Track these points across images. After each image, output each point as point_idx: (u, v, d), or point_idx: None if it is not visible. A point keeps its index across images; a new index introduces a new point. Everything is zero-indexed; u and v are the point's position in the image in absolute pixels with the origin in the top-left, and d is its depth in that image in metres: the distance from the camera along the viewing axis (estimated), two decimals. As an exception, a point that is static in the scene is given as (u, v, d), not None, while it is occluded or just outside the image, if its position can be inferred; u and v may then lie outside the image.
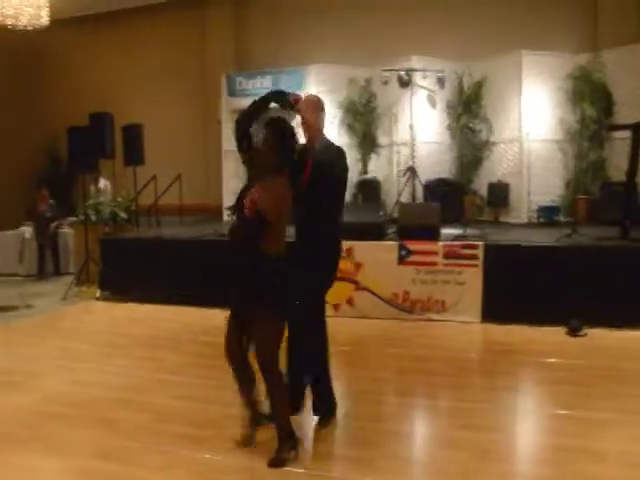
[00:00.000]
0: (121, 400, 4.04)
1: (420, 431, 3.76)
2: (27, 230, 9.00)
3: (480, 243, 5.92)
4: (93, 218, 8.37)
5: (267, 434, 3.22)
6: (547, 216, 7.96)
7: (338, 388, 4.21)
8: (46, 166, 12.02)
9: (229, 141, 9.87)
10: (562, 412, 3.71)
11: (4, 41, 10.56)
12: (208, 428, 3.55)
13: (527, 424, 3.81)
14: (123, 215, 8.43)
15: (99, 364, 4.88)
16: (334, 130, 8.36)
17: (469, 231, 6.59)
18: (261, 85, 9.74)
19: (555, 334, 5.41)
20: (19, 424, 3.68)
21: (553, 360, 4.75)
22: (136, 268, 7.17)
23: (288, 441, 3.12)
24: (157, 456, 3.22)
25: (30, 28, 8.60)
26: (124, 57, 11.72)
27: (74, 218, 9.36)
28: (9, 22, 8.29)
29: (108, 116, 8.57)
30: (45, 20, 8.57)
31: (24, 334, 6.02)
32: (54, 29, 9.38)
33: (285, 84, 9.55)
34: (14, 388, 4.33)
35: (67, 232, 9.57)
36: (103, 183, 9.31)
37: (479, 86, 8.82)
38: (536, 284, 5.66)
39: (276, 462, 3.07)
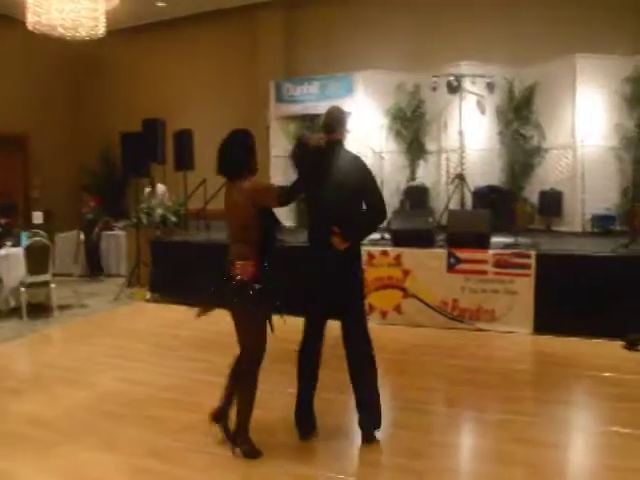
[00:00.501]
0: (170, 400, 4.12)
1: (470, 443, 3.69)
2: (82, 232, 9.30)
3: (532, 252, 5.77)
4: (144, 221, 8.59)
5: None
6: (602, 225, 7.70)
7: (386, 397, 4.18)
8: (100, 170, 12.41)
9: (277, 146, 10.00)
10: (617, 430, 3.58)
11: (64, 52, 11.03)
12: (254, 432, 3.56)
13: (580, 440, 3.68)
14: (173, 219, 8.62)
15: (150, 364, 5.00)
16: (381, 136, 8.32)
17: (520, 240, 6.44)
18: (308, 91, 9.81)
19: (611, 348, 5.22)
20: (75, 420, 3.81)
21: (609, 375, 4.58)
22: (185, 271, 7.29)
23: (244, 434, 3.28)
24: (203, 457, 3.27)
25: (87, 39, 8.90)
26: (176, 65, 12.01)
27: (127, 221, 9.65)
28: (68, 34, 8.59)
29: (160, 122, 8.79)
30: (101, 31, 8.85)
31: (79, 333, 6.23)
32: (110, 39, 9.70)
33: (333, 90, 9.61)
34: (70, 385, 4.50)
35: (118, 234, 9.87)
36: (160, 187, 9.54)
37: (530, 91, 8.61)
38: (591, 295, 5.47)
39: (249, 454, 3.22)
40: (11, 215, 9.30)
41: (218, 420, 3.43)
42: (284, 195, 3.21)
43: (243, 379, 3.28)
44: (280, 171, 9.32)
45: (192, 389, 4.18)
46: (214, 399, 4.09)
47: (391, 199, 8.72)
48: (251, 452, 3.24)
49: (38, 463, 3.24)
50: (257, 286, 3.14)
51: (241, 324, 3.25)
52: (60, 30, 8.44)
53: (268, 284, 3.17)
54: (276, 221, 3.30)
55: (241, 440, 3.28)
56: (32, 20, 8.29)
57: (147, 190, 9.27)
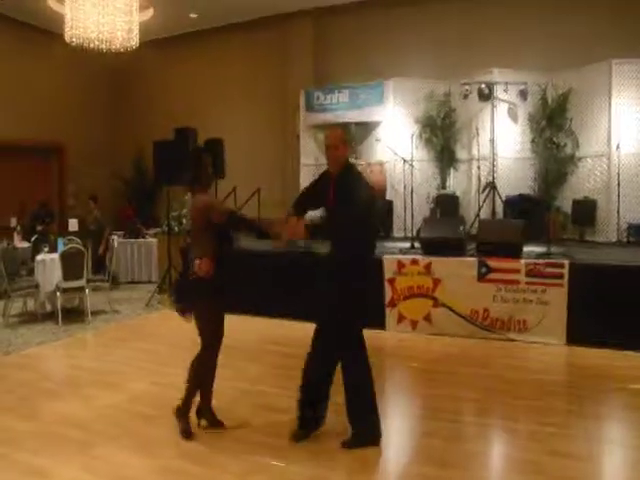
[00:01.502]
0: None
1: (502, 454, 3.63)
2: (115, 239, 9.45)
3: (566, 262, 5.68)
4: (176, 229, 8.72)
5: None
6: (638, 235, 7.54)
7: (416, 406, 4.18)
8: (133, 178, 12.66)
9: (307, 155, 10.07)
10: (654, 444, 3.49)
11: (99, 63, 11.31)
12: (278, 436, 3.59)
13: (615, 455, 3.58)
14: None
15: (181, 369, 4.95)
16: (412, 144, 8.31)
17: (553, 249, 6.34)
18: (339, 100, 9.86)
19: (647, 360, 5.10)
20: (109, 422, 3.89)
21: (644, 388, 4.48)
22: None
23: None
24: (238, 462, 3.30)
25: (122, 50, 9.12)
26: (208, 74, 12.21)
27: (158, 228, 9.83)
28: (104, 46, 8.82)
29: (192, 131, 8.91)
30: (135, 42, 9.07)
31: (112, 337, 6.36)
32: (144, 50, 9.91)
33: (363, 99, 9.64)
34: (104, 387, 4.59)
35: (149, 241, 10.05)
36: None
37: (564, 98, 8.50)
38: (626, 306, 5.36)
39: (185, 434, 3.59)
40: (48, 222, 9.56)
41: (200, 415, 3.81)
42: (232, 219, 3.67)
43: (198, 363, 3.66)
44: (310, 179, 9.36)
45: (224, 395, 4.21)
46: (243, 405, 4.17)
47: (421, 207, 8.71)
48: (187, 432, 3.61)
49: (74, 462, 3.32)
50: (211, 282, 3.51)
51: (199, 315, 3.63)
52: (96, 42, 8.68)
53: (220, 282, 3.56)
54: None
55: (183, 417, 3.66)
56: (70, 33, 8.56)
57: (187, 197, 9.37)
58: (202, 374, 3.68)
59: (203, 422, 3.78)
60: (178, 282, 3.86)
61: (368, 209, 3.46)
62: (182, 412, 3.67)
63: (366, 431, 3.47)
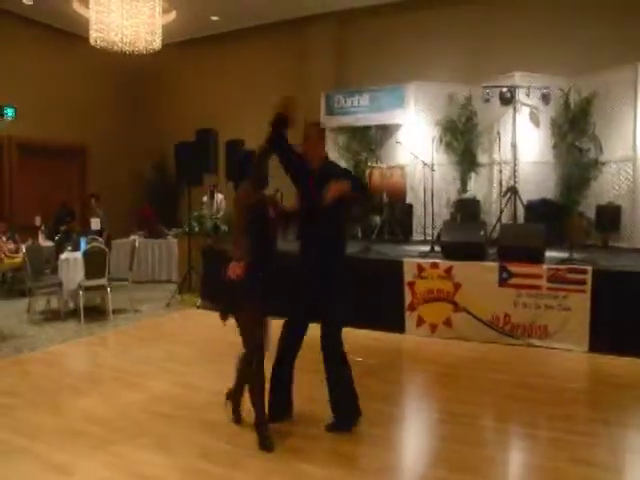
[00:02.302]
0: (222, 404, 4.17)
1: (522, 460, 3.58)
2: (137, 239, 9.55)
3: (589, 268, 5.60)
4: (196, 229, 8.79)
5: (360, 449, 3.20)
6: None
7: (435, 409, 4.15)
8: (154, 179, 12.79)
9: (327, 158, 10.05)
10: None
11: (121, 65, 11.44)
12: (307, 439, 3.60)
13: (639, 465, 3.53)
14: (224, 227, 8.80)
15: (200, 368, 5.10)
16: (432, 148, 8.27)
17: (575, 255, 6.27)
18: (359, 103, 9.86)
19: (672, 369, 5.01)
20: (129, 420, 3.93)
21: (669, 397, 4.40)
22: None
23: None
24: (258, 462, 3.30)
25: (144, 52, 9.24)
26: (229, 76, 12.29)
27: (179, 229, 9.92)
28: (127, 48, 8.95)
29: (213, 132, 8.98)
30: (158, 44, 9.18)
31: (133, 336, 6.43)
32: (165, 52, 10.02)
33: (384, 102, 9.63)
34: (125, 386, 4.64)
35: (171, 241, 10.14)
36: (219, 196, 9.73)
37: (587, 102, 8.40)
38: (651, 314, 5.27)
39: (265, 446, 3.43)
40: (69, 221, 9.71)
41: (227, 398, 3.89)
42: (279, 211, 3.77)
43: (243, 369, 3.67)
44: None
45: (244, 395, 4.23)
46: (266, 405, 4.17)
47: (441, 211, 8.66)
48: (264, 443, 3.45)
49: (95, 458, 3.35)
50: (245, 284, 3.48)
51: (236, 319, 3.64)
52: (119, 44, 8.81)
53: (256, 285, 3.51)
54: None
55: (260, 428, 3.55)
56: (94, 35, 8.70)
57: (204, 199, 9.48)
58: (246, 374, 3.62)
59: (229, 405, 3.87)
60: (213, 284, 3.81)
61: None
62: (258, 422, 3.54)
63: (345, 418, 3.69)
